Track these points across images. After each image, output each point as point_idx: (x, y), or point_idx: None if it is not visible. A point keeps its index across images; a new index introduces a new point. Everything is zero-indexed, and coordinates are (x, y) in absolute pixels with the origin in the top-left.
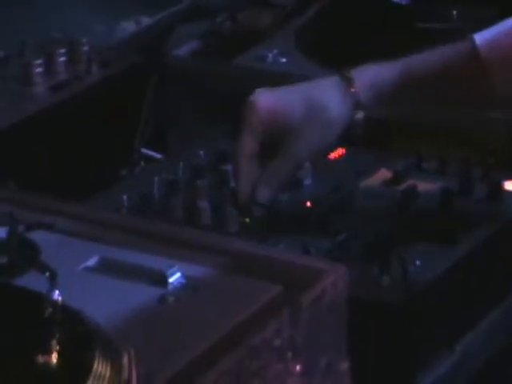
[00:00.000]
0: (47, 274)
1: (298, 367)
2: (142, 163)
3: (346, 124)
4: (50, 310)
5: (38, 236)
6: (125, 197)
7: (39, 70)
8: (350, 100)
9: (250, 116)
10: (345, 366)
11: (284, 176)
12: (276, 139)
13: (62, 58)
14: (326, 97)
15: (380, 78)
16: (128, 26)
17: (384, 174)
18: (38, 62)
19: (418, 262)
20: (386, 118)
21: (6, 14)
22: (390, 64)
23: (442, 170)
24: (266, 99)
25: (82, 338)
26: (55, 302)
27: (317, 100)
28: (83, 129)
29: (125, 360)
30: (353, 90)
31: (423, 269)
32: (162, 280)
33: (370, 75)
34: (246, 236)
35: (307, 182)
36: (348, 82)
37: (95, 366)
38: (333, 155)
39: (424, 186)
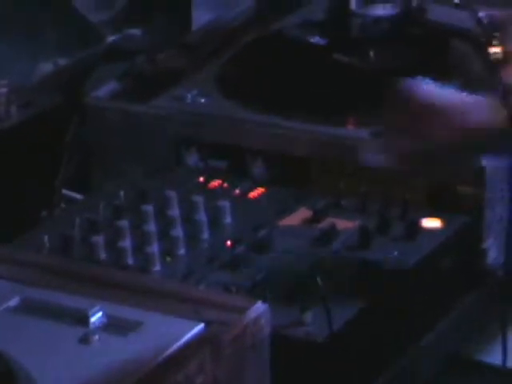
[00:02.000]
0: None
1: None
2: (63, 204)
3: None
4: None
5: None
6: (46, 237)
7: None
8: None
9: None
10: None
11: None
12: None
13: None
14: None
15: None
16: (46, 68)
17: (304, 212)
18: None
19: (337, 299)
20: (304, 157)
21: None
22: None
23: (361, 208)
24: None
25: (4, 379)
26: None
27: None
28: (3, 170)
29: None
30: None
31: (344, 306)
32: (83, 319)
33: None
34: (167, 275)
35: (227, 221)
36: None
37: None
38: (252, 194)
39: (343, 224)
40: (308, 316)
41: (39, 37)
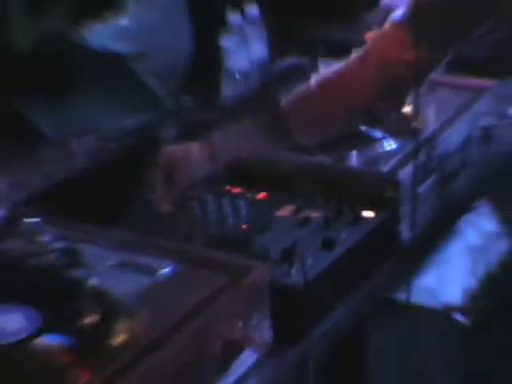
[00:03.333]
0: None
1: (239, 324)
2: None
3: None
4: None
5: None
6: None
7: None
8: None
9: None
10: (268, 324)
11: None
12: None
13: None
14: None
15: None
16: (128, 122)
17: (290, 207)
18: None
19: (309, 261)
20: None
21: None
22: None
23: (326, 204)
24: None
25: (109, 306)
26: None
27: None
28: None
29: (135, 321)
30: None
31: (314, 265)
32: (155, 272)
33: None
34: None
35: (243, 213)
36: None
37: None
38: (259, 197)
39: (314, 214)
40: (293, 271)
41: (122, 102)
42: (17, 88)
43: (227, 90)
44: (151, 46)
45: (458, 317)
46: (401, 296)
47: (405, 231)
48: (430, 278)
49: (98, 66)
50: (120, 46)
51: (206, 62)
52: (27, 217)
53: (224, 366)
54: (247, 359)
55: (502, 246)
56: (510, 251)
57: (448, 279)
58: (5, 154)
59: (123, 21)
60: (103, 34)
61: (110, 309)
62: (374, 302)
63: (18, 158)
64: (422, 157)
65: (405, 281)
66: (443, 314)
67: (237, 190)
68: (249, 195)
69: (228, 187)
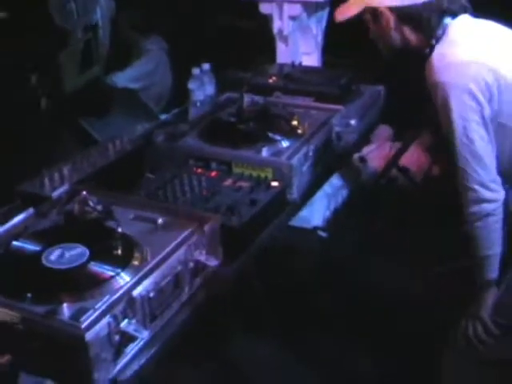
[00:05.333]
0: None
1: (203, 251)
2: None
3: None
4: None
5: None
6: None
7: None
8: None
9: None
10: (219, 250)
11: None
12: None
13: None
14: None
15: None
16: (139, 128)
17: (229, 180)
18: None
19: (243, 212)
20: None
21: None
22: None
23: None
24: None
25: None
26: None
27: None
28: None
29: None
30: None
31: (245, 214)
32: (153, 221)
33: None
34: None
35: (203, 185)
36: None
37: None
38: (213, 174)
39: (244, 184)
40: (234, 218)
41: (134, 116)
42: (80, 113)
43: (193, 112)
44: (149, 84)
45: (321, 233)
46: (292, 222)
47: (295, 191)
48: (306, 212)
49: (121, 97)
50: (132, 84)
51: (180, 94)
52: (81, 190)
53: (195, 275)
54: (209, 270)
55: (343, 192)
56: (347, 196)
57: (315, 213)
58: (69, 151)
59: (133, 69)
60: (122, 77)
61: (128, 244)
62: (280, 230)
63: (78, 152)
64: (303, 149)
65: (294, 216)
66: (313, 231)
67: (199, 170)
68: (206, 174)
69: (194, 169)
